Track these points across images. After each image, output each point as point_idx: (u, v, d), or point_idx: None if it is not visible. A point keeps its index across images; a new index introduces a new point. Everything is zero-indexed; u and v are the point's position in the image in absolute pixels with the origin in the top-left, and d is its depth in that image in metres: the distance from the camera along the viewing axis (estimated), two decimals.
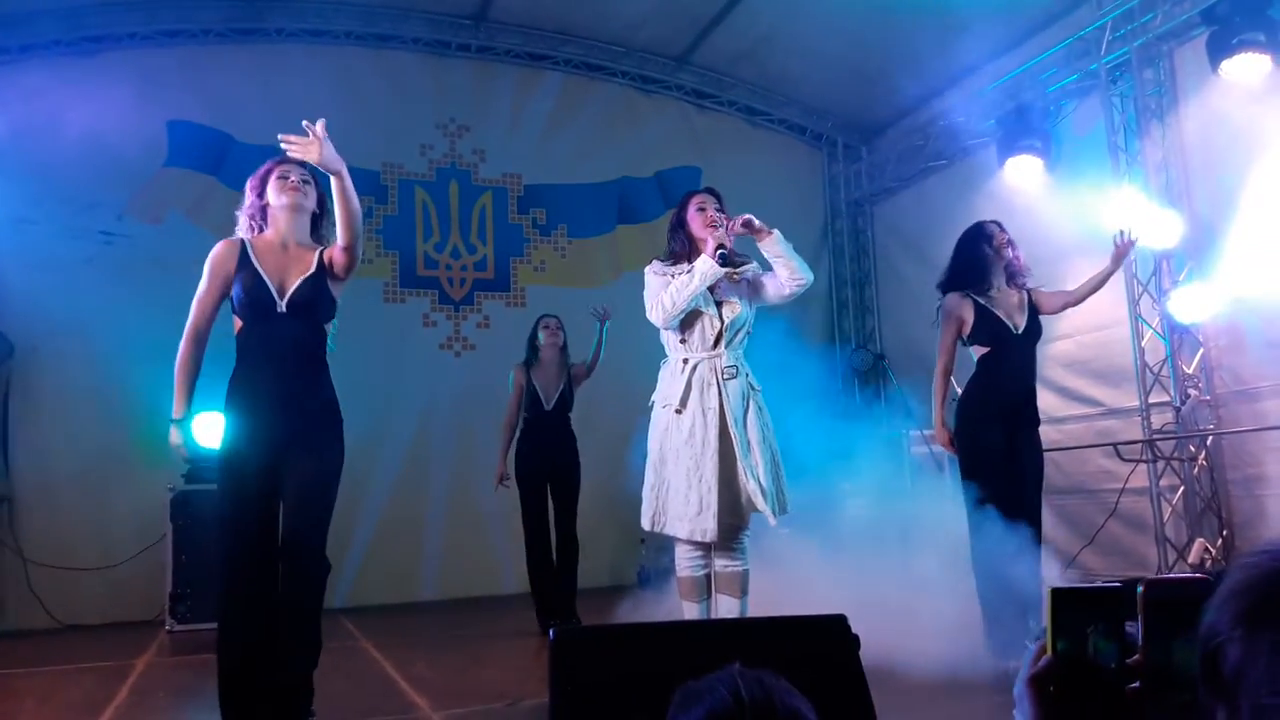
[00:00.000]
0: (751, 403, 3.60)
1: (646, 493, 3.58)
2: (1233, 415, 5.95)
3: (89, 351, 6.44)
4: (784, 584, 3.91)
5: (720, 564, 3.59)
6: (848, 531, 4.65)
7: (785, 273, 3.61)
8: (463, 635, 5.68)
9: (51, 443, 6.66)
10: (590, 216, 8.56)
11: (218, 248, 3.25)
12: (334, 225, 3.24)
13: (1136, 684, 0.94)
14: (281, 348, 3.16)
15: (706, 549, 3.55)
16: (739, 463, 3.47)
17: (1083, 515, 6.40)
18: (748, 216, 3.58)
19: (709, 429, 3.48)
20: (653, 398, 3.69)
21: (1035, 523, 3.96)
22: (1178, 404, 6.06)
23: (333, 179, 3.09)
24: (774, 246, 3.59)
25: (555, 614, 5.38)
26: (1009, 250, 4.22)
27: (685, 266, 3.61)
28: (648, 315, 3.62)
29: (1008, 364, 4.14)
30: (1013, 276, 4.26)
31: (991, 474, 3.95)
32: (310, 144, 3.04)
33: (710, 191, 3.78)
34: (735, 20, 7.85)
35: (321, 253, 3.26)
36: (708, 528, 3.41)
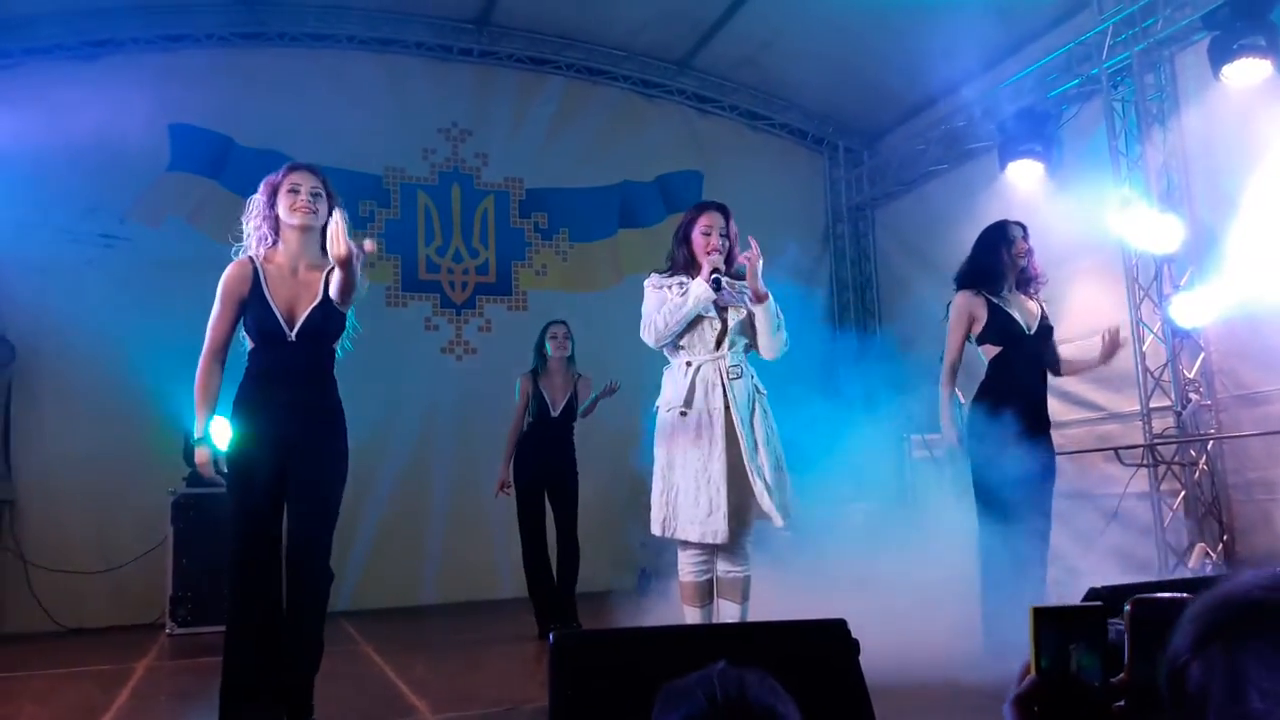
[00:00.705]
0: (758, 405, 3.60)
1: (656, 499, 3.56)
2: (1234, 420, 5.94)
3: (90, 355, 6.45)
4: (784, 588, 3.91)
5: (723, 569, 3.59)
6: (848, 534, 4.65)
7: (762, 341, 3.62)
8: (463, 639, 5.68)
9: (53, 446, 6.66)
10: (592, 221, 8.57)
11: (230, 271, 3.24)
12: (345, 235, 3.26)
13: (1121, 702, 0.94)
14: (292, 369, 3.20)
15: (710, 554, 3.55)
16: (746, 464, 3.47)
17: (1084, 520, 6.40)
18: (758, 283, 3.54)
19: (715, 430, 3.48)
20: (657, 403, 3.69)
21: (1046, 527, 3.94)
22: (1179, 408, 6.06)
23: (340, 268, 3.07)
24: (762, 314, 3.58)
25: (555, 618, 5.37)
26: (1026, 258, 4.21)
27: (682, 278, 3.61)
28: (641, 334, 3.63)
29: (1019, 364, 4.11)
30: (1026, 283, 4.25)
31: (1003, 477, 3.91)
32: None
33: (721, 210, 3.70)
34: (737, 25, 7.86)
35: (329, 274, 3.25)
36: (719, 529, 3.40)
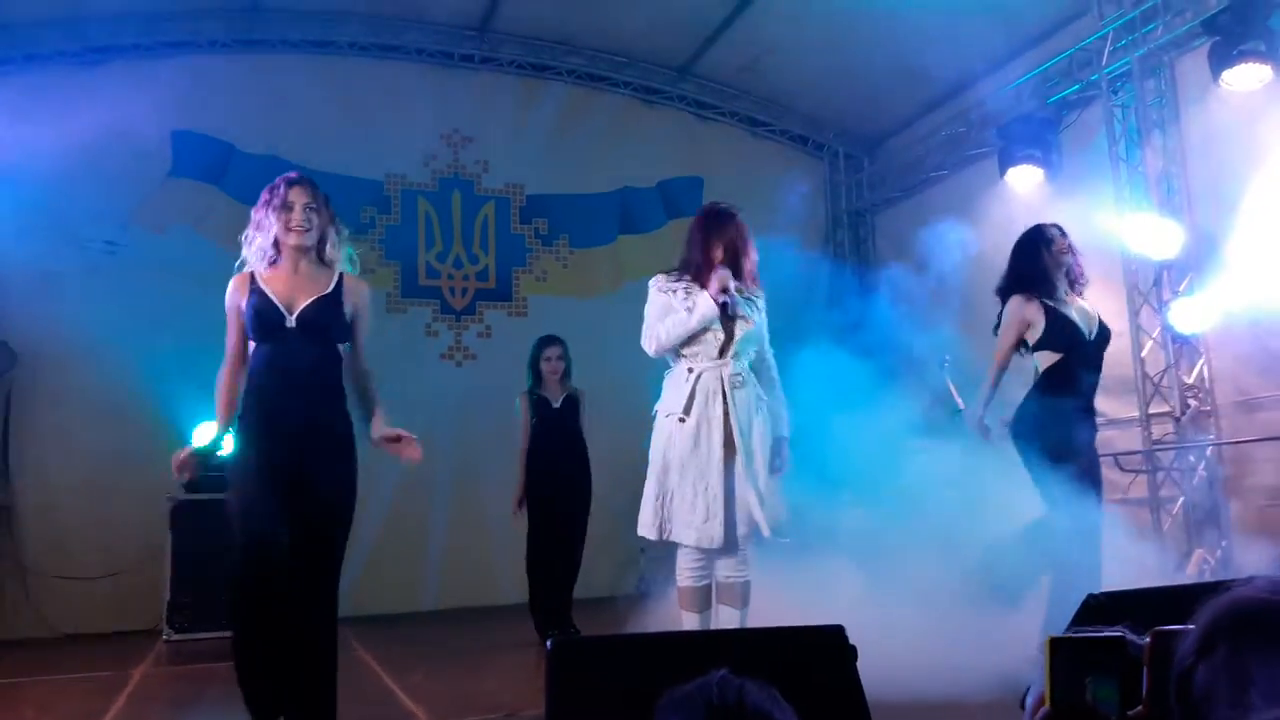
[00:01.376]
0: (758, 414, 3.59)
1: (649, 502, 3.55)
2: (1233, 426, 5.93)
3: (91, 361, 6.45)
4: (782, 593, 3.90)
5: (722, 574, 3.58)
6: (847, 540, 4.63)
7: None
8: (462, 645, 5.67)
9: (52, 452, 6.66)
10: (592, 227, 8.57)
11: (231, 285, 3.24)
12: (339, 245, 3.28)
13: None
14: (292, 366, 3.12)
15: (709, 559, 3.54)
16: (740, 472, 3.46)
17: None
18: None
19: (714, 437, 3.47)
20: (656, 407, 3.69)
21: (1099, 530, 3.91)
22: (1178, 414, 6.05)
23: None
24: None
25: (553, 623, 5.37)
26: (1069, 256, 4.12)
27: (689, 284, 3.60)
28: (641, 341, 3.63)
29: (1081, 370, 4.01)
30: (1074, 283, 4.15)
31: (1069, 482, 3.85)
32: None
33: (738, 226, 3.66)
34: (737, 32, 7.87)
35: (341, 278, 3.25)
36: (714, 534, 3.41)
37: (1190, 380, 6.11)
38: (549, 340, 5.80)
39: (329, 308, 3.20)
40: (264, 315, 3.12)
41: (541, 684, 1.75)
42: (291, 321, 3.13)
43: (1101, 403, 6.51)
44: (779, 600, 3.68)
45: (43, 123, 6.71)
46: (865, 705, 1.77)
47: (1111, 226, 6.21)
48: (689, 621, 3.54)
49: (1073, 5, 6.79)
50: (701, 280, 3.58)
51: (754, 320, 3.64)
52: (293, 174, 3.31)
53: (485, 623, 6.62)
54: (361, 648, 5.57)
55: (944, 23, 6.79)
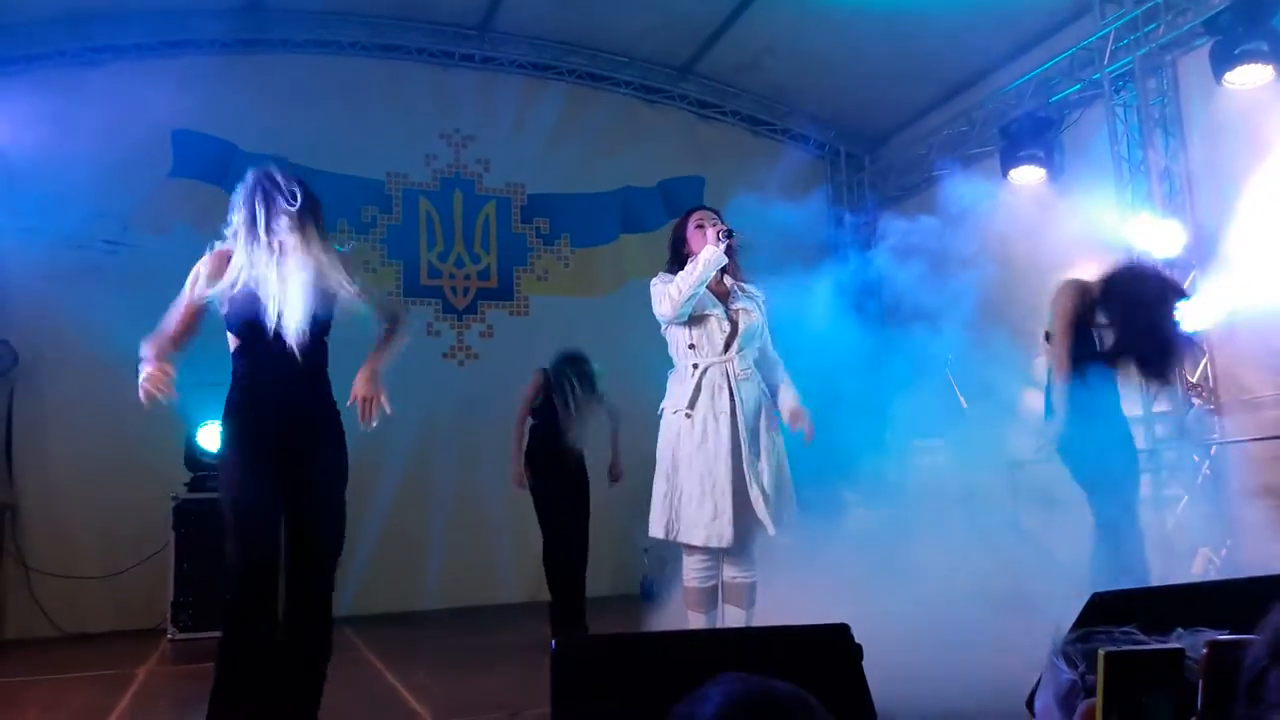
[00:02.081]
0: (765, 410, 3.59)
1: (658, 501, 3.54)
2: (1237, 424, 5.93)
3: (93, 361, 6.43)
4: (787, 592, 3.90)
5: (729, 574, 3.57)
6: (853, 538, 4.63)
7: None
8: (465, 644, 5.67)
9: (54, 451, 6.67)
10: (593, 226, 8.57)
11: (210, 261, 3.22)
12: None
13: None
14: (281, 362, 3.10)
15: (716, 559, 3.53)
16: (745, 469, 3.46)
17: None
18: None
19: (721, 433, 3.46)
20: (661, 405, 3.68)
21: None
22: (1182, 413, 6.05)
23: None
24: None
25: (566, 620, 5.36)
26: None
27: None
28: (657, 310, 3.61)
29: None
30: None
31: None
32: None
33: (711, 209, 3.81)
34: (738, 31, 7.87)
35: (321, 269, 3.25)
36: (723, 533, 3.39)
37: (1194, 379, 6.11)
38: (573, 359, 5.66)
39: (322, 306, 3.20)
40: (251, 314, 3.10)
41: (545, 683, 1.75)
42: (280, 321, 3.11)
43: None
44: (784, 598, 3.68)
45: (44, 122, 6.71)
46: (871, 704, 1.77)
47: (1114, 226, 6.21)
48: (695, 621, 3.53)
49: (1074, 4, 6.79)
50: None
51: (756, 314, 3.65)
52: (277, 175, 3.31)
53: (488, 621, 6.62)
54: (364, 647, 5.57)
55: (946, 22, 6.79)
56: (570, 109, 8.53)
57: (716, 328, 3.58)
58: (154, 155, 7.13)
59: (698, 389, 3.52)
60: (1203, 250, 6.07)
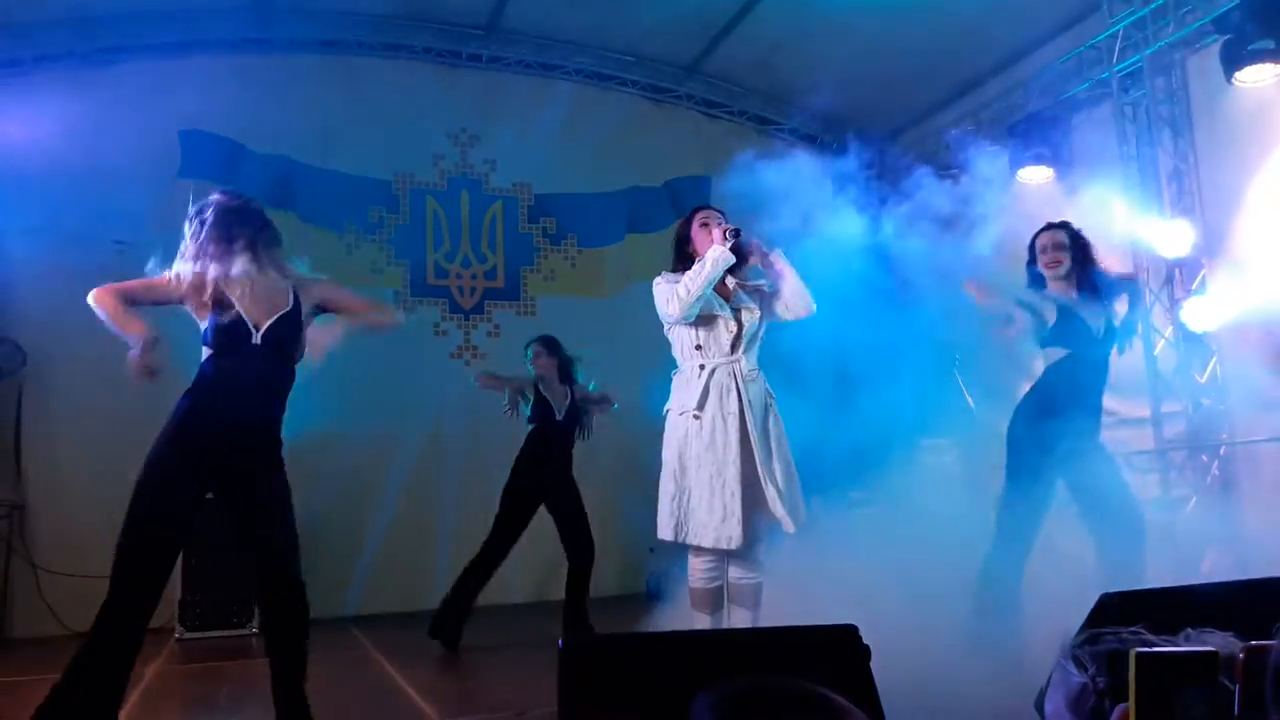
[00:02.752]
0: (771, 409, 3.59)
1: (665, 503, 3.53)
2: (1246, 425, 5.91)
3: (101, 360, 6.42)
4: (794, 592, 3.89)
5: (735, 575, 3.57)
6: (860, 537, 4.62)
7: (791, 292, 3.65)
8: (472, 644, 5.66)
9: (63, 450, 6.69)
10: (600, 226, 8.57)
11: (180, 274, 3.28)
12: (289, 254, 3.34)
13: None
14: (249, 380, 3.14)
15: (722, 560, 3.53)
16: (759, 469, 3.45)
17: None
18: (762, 250, 3.61)
19: (729, 434, 3.46)
20: (666, 406, 3.68)
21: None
22: (1190, 413, 6.03)
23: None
24: (781, 264, 3.62)
25: (571, 624, 5.38)
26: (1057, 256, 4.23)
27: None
28: (663, 311, 3.61)
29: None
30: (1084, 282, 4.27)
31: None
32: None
33: (717, 209, 3.81)
34: (745, 30, 7.85)
35: (297, 292, 3.26)
36: (733, 534, 3.38)
37: (1202, 379, 6.09)
38: (537, 340, 5.80)
39: (291, 325, 3.22)
40: (230, 330, 3.14)
41: (551, 682, 1.75)
42: (257, 339, 3.15)
43: (1112, 401, 6.50)
44: (791, 598, 3.67)
45: (53, 122, 6.73)
46: (880, 706, 1.76)
47: (1122, 225, 6.19)
48: (700, 623, 3.53)
49: (1083, 3, 6.77)
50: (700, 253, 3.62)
51: (759, 312, 3.65)
52: (222, 199, 3.31)
53: (494, 620, 6.61)
54: (371, 646, 5.58)
55: (954, 21, 6.77)
56: (577, 109, 8.52)
57: (724, 328, 3.57)
58: (162, 155, 7.15)
59: (706, 390, 3.52)
60: (1212, 249, 6.05)
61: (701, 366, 3.56)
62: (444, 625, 5.42)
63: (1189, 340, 6.11)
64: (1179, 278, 6.22)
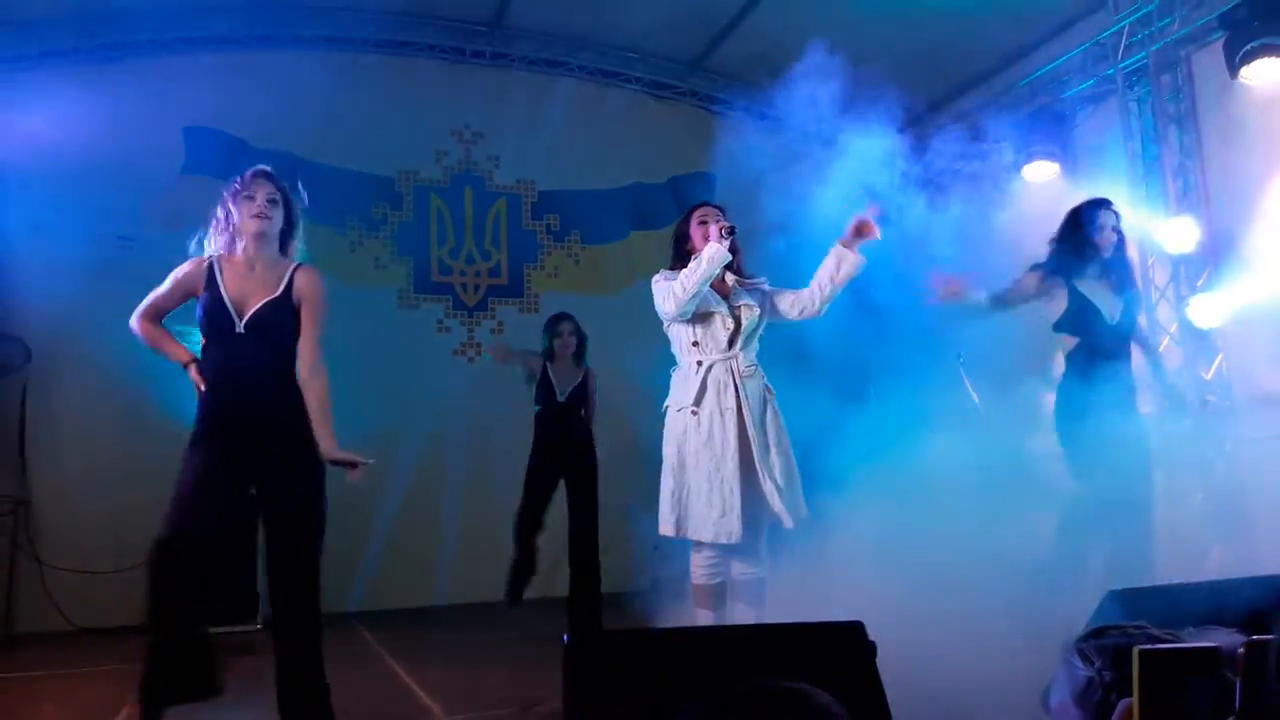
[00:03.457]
0: (769, 404, 3.60)
1: (665, 498, 3.55)
2: (1251, 422, 5.89)
3: (106, 356, 6.46)
4: (800, 587, 3.89)
5: (737, 571, 3.57)
6: (867, 531, 4.62)
7: (827, 282, 3.63)
8: (477, 640, 5.68)
9: (68, 446, 6.70)
10: (604, 223, 8.57)
11: (185, 265, 3.32)
12: (299, 241, 3.35)
13: None
14: (243, 369, 3.14)
15: (724, 556, 3.53)
16: (757, 464, 3.46)
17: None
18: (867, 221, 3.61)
19: (727, 430, 3.47)
20: (666, 403, 3.69)
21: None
22: (1196, 410, 6.01)
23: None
24: (848, 268, 3.61)
25: (573, 621, 5.41)
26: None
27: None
28: (660, 309, 3.63)
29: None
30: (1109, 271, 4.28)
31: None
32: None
33: (716, 206, 3.83)
34: (749, 26, 7.84)
35: (293, 274, 3.26)
36: (732, 530, 3.40)
37: (1208, 376, 6.08)
38: (561, 316, 5.93)
39: (279, 311, 3.21)
40: (214, 317, 3.17)
41: (557, 677, 1.75)
42: (241, 327, 3.15)
43: None
44: (797, 594, 3.67)
45: (57, 119, 6.74)
46: (885, 701, 1.76)
47: (1127, 222, 6.17)
48: (703, 619, 3.54)
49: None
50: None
51: (758, 310, 3.66)
52: (259, 166, 3.35)
53: (500, 617, 6.62)
54: (376, 643, 5.59)
55: (958, 17, 6.76)
56: (580, 105, 8.51)
57: (720, 325, 3.59)
58: (167, 151, 7.16)
59: (703, 386, 3.53)
60: (1217, 247, 6.04)
61: (699, 363, 3.58)
62: (512, 587, 5.66)
63: (1195, 337, 6.10)
64: (1184, 274, 6.21)
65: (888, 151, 5.73)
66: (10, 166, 6.65)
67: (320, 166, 7.63)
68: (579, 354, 5.83)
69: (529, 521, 5.69)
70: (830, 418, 4.62)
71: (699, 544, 3.51)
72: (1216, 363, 6.07)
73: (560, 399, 5.71)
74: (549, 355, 5.81)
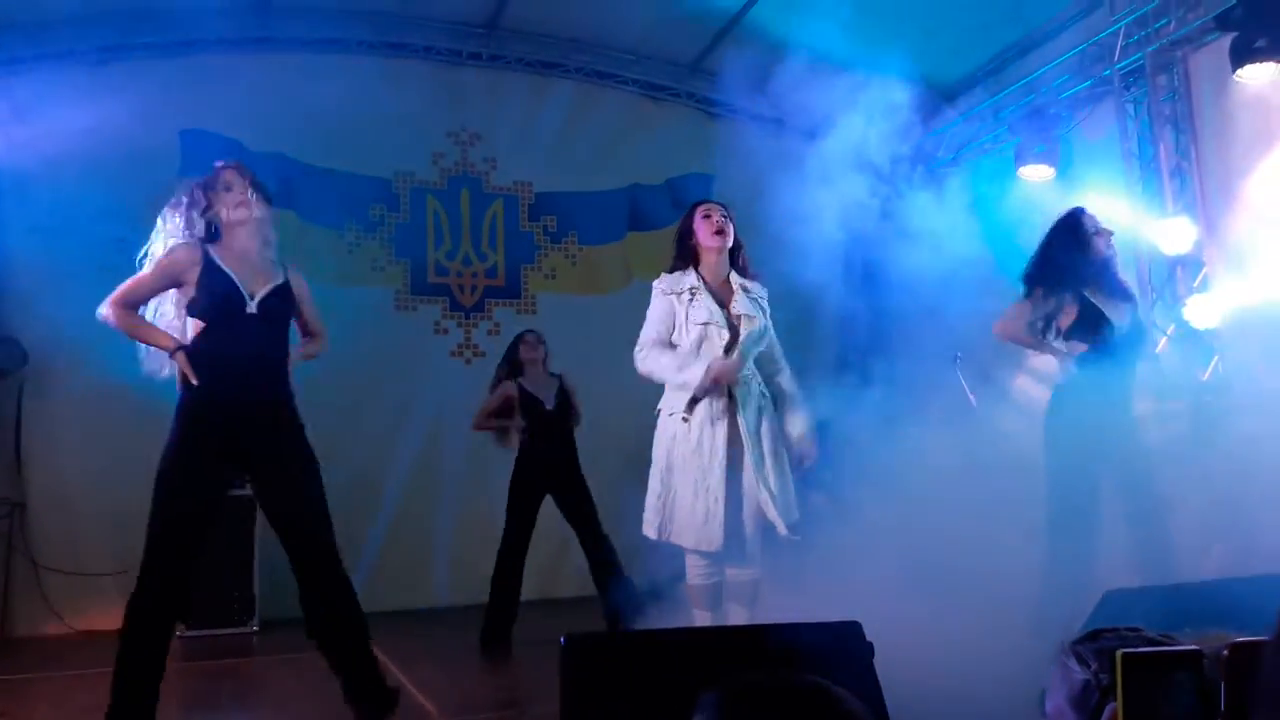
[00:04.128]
0: (765, 413, 3.59)
1: (652, 501, 3.56)
2: (1249, 423, 5.89)
3: (102, 358, 6.45)
4: (797, 587, 3.89)
5: (732, 572, 3.57)
6: (865, 532, 4.61)
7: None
8: (473, 641, 5.67)
9: (64, 448, 6.69)
10: (601, 224, 8.57)
11: (176, 250, 3.20)
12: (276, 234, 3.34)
13: None
14: (250, 352, 3.09)
15: (718, 557, 3.53)
16: (751, 473, 3.45)
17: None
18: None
19: (716, 438, 3.47)
20: (659, 405, 3.69)
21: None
22: (1192, 411, 6.01)
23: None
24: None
25: (610, 618, 5.41)
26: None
27: (690, 279, 3.61)
28: (635, 351, 3.66)
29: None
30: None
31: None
32: None
33: (718, 203, 3.83)
34: (746, 27, 7.85)
35: (288, 273, 3.26)
36: (713, 537, 3.40)
37: (1205, 377, 6.08)
38: (527, 331, 5.92)
39: (285, 299, 3.22)
40: (222, 297, 3.07)
41: (553, 679, 1.75)
42: (253, 307, 3.10)
43: None
44: (794, 594, 3.67)
45: (53, 121, 6.72)
46: (883, 702, 1.76)
47: (1124, 223, 6.18)
48: (700, 619, 3.54)
49: (1084, 0, 6.76)
50: (698, 270, 3.62)
51: (759, 319, 3.64)
52: (228, 160, 3.34)
53: None
54: (372, 643, 5.57)
55: (955, 17, 6.77)
56: (577, 107, 8.51)
57: (716, 335, 3.57)
58: (163, 154, 7.14)
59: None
60: (1213, 247, 6.04)
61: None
62: (494, 632, 5.50)
63: (1191, 338, 6.10)
64: (1180, 275, 6.22)
65: (883, 151, 5.73)
66: (6, 169, 6.64)
67: (316, 169, 7.63)
68: (546, 360, 5.78)
69: (515, 556, 5.59)
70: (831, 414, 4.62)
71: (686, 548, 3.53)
72: (1213, 363, 6.08)
73: (549, 407, 5.67)
74: (517, 371, 5.75)
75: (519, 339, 5.85)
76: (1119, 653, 0.95)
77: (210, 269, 3.12)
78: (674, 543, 3.53)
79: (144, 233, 7.07)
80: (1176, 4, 6.08)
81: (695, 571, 3.56)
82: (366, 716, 3.15)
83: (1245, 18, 5.47)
